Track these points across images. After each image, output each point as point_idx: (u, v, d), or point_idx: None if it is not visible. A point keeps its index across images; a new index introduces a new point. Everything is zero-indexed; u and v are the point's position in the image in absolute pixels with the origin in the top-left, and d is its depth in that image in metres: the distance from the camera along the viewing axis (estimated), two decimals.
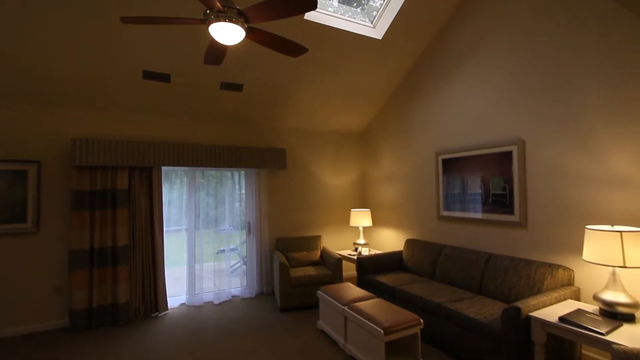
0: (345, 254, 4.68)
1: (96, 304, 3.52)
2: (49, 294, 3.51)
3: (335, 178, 5.26)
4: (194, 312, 3.94)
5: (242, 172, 4.68)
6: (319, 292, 3.41)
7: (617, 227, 2.21)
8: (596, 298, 2.22)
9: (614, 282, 2.19)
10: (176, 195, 4.58)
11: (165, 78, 3.55)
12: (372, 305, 2.84)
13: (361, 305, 2.84)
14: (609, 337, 1.90)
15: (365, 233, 5.41)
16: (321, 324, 3.37)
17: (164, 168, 4.17)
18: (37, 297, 3.46)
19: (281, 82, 4.04)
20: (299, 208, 4.94)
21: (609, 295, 2.16)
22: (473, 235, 3.56)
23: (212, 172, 4.51)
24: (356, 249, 4.67)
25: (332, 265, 4.14)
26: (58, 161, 3.59)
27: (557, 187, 2.82)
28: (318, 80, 4.15)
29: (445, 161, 3.89)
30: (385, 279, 3.71)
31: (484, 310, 2.67)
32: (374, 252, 4.64)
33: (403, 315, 2.62)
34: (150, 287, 3.85)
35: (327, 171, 5.19)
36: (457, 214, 3.72)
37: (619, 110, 2.43)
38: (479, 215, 3.47)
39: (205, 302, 4.26)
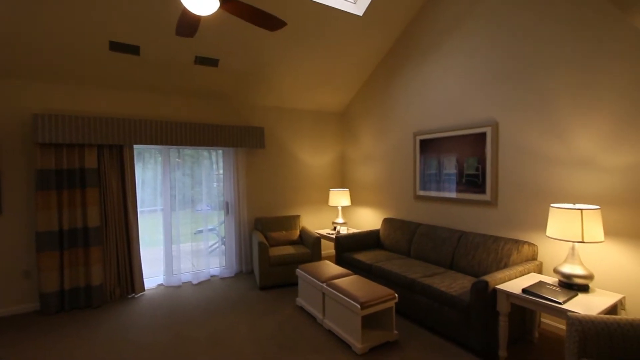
0: (324, 233, 4.75)
1: (68, 286, 3.43)
2: (17, 277, 3.37)
3: (314, 158, 5.25)
4: (172, 292, 3.92)
5: (220, 152, 4.57)
6: (297, 270, 3.46)
7: (578, 206, 2.35)
8: (556, 271, 2.39)
9: (572, 256, 2.35)
10: (150, 175, 4.42)
11: (134, 50, 3.35)
12: (349, 281, 2.92)
13: (339, 282, 2.92)
14: (565, 306, 2.06)
15: (343, 212, 5.50)
16: (300, 300, 3.45)
17: (136, 147, 4.00)
18: (5, 280, 3.31)
19: (259, 58, 3.91)
20: (278, 188, 4.92)
21: (567, 268, 2.32)
22: (447, 214, 3.70)
23: (188, 151, 4.38)
24: (335, 228, 4.75)
25: (311, 244, 4.20)
26: (20, 139, 3.36)
27: (526, 168, 2.95)
28: (297, 57, 4.05)
29: (422, 142, 3.95)
30: (362, 256, 3.82)
31: (455, 284, 2.82)
32: (352, 231, 4.74)
33: (379, 290, 2.72)
34: (126, 268, 3.77)
35: (306, 151, 5.16)
36: (433, 194, 3.83)
37: (584, 95, 2.53)
38: (453, 195, 3.59)
39: (183, 283, 4.24)
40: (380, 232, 4.30)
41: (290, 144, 5.02)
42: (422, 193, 3.99)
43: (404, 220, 4.14)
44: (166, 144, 3.87)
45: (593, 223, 2.22)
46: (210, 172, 4.52)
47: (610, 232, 2.44)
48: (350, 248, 4.11)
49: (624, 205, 2.37)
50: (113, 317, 3.27)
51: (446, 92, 3.66)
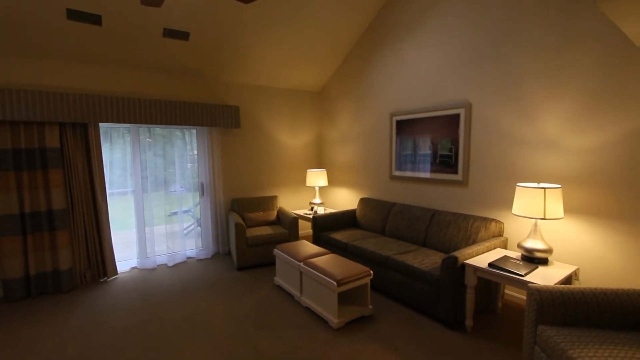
0: (302, 213, 4.77)
1: (34, 272, 3.28)
2: None
3: (291, 138, 5.19)
4: (147, 274, 3.85)
5: (194, 131, 4.42)
6: (275, 250, 3.48)
7: (542, 185, 2.48)
8: (519, 246, 2.54)
9: (535, 232, 2.50)
10: (119, 155, 4.22)
11: (95, 20, 3.10)
12: (326, 260, 2.98)
13: (316, 260, 2.97)
14: (527, 278, 2.21)
15: (321, 193, 5.53)
16: (278, 279, 3.49)
17: (102, 125, 3.78)
18: None
19: (233, 33, 3.74)
20: (254, 168, 4.85)
21: (530, 243, 2.48)
22: (421, 193, 3.80)
23: (159, 130, 4.20)
24: (312, 208, 4.78)
25: (288, 225, 4.22)
26: None
27: (496, 149, 3.06)
28: (272, 32, 3.90)
29: (399, 122, 3.99)
30: (339, 235, 3.89)
31: (427, 260, 2.94)
32: (329, 211, 4.79)
33: (354, 267, 2.80)
34: (96, 251, 3.65)
35: (283, 131, 5.09)
36: (408, 174, 3.92)
37: (553, 78, 2.62)
38: (427, 175, 3.69)
39: (158, 265, 4.17)
40: (357, 212, 4.37)
41: (267, 123, 4.92)
42: (397, 173, 4.06)
43: (380, 199, 4.22)
44: (135, 122, 3.68)
45: (554, 201, 2.35)
46: (183, 153, 4.37)
47: (569, 209, 2.61)
48: (327, 228, 4.17)
49: (582, 184, 2.52)
50: (85, 301, 3.18)
51: (422, 73, 3.68)
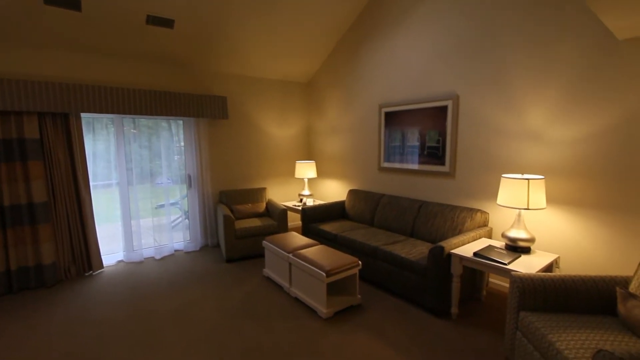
0: (291, 205, 4.77)
1: (15, 266, 3.20)
2: None
3: (280, 129, 5.15)
4: (134, 268, 3.81)
5: (180, 122, 4.33)
6: (264, 241, 3.48)
7: (526, 176, 2.54)
8: (504, 235, 2.60)
9: (518, 222, 2.57)
10: (102, 146, 4.10)
11: (74, 5, 2.97)
12: (315, 251, 3.00)
13: (305, 252, 2.99)
14: (510, 266, 2.28)
15: (310, 184, 5.53)
16: (267, 271, 3.50)
17: (84, 115, 3.67)
18: None
19: (219, 21, 3.65)
20: (242, 160, 4.81)
21: (513, 233, 2.54)
22: (409, 184, 3.84)
23: (144, 121, 4.10)
24: (301, 200, 4.78)
25: (277, 216, 4.22)
26: None
27: (482, 140, 3.10)
28: (260, 21, 3.83)
29: (387, 114, 4.00)
30: (328, 227, 3.91)
31: (414, 250, 2.99)
32: (318, 202, 4.80)
33: (343, 258, 2.82)
34: (80, 245, 3.57)
35: (271, 122, 5.04)
36: (396, 165, 3.95)
37: (538, 70, 2.66)
38: (415, 167, 3.72)
39: (145, 258, 4.12)
40: (346, 203, 4.40)
41: (255, 114, 4.86)
42: (386, 165, 4.09)
43: (369, 191, 4.25)
44: (118, 112, 3.59)
45: (537, 192, 2.41)
46: (170, 144, 4.29)
47: (551, 199, 2.68)
48: (316, 219, 4.18)
49: (564, 175, 2.59)
50: (70, 295, 3.12)
51: (411, 64, 3.68)
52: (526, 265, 2.30)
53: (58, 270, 3.43)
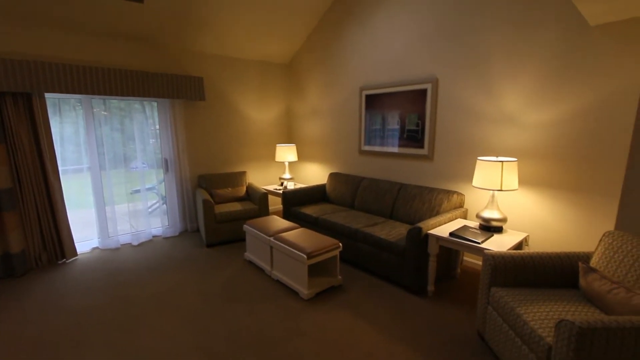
0: (272, 189, 4.75)
1: None
2: None
3: (259, 112, 5.04)
4: (110, 255, 3.71)
5: (154, 104, 4.15)
6: (245, 225, 3.46)
7: (500, 158, 2.62)
8: (478, 216, 2.70)
9: (492, 202, 2.67)
10: (71, 129, 3.88)
11: None
12: (296, 234, 3.01)
13: (286, 235, 3.00)
14: (483, 245, 2.38)
15: (290, 168, 5.50)
16: (248, 255, 3.50)
17: (49, 96, 3.45)
18: None
19: None
20: (221, 143, 4.70)
21: (487, 213, 2.65)
22: (389, 167, 3.90)
23: (115, 103, 3.90)
24: (282, 184, 4.76)
25: (258, 200, 4.19)
26: None
27: (460, 124, 3.16)
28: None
29: (368, 97, 3.99)
30: (309, 210, 3.93)
31: (394, 231, 3.06)
32: (299, 186, 4.80)
33: (324, 241, 2.86)
34: (51, 232, 3.43)
35: (251, 104, 4.92)
36: (377, 149, 3.98)
37: (515, 54, 2.71)
38: (395, 150, 3.76)
39: (122, 245, 4.02)
40: (327, 187, 4.42)
41: (234, 96, 4.72)
42: (367, 148, 4.11)
43: (349, 174, 4.28)
44: (86, 93, 3.39)
45: (510, 174, 2.51)
46: (144, 127, 4.12)
47: (523, 181, 2.80)
48: (297, 203, 4.19)
49: (535, 158, 2.70)
50: (42, 284, 3.02)
51: (392, 47, 3.66)
52: (498, 244, 2.41)
53: (28, 258, 3.29)
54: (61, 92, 3.24)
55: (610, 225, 2.40)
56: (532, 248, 2.81)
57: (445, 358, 2.01)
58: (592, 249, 2.50)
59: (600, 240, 1.97)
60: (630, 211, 2.05)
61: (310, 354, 2.07)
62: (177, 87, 3.97)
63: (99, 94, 3.46)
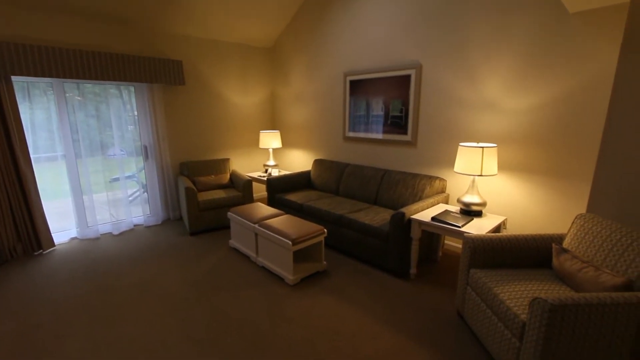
0: (256, 176, 4.71)
1: None
2: None
3: (242, 97, 4.93)
4: (90, 245, 3.62)
5: (132, 89, 3.99)
6: (229, 213, 3.43)
7: (481, 144, 2.67)
8: (459, 201, 2.77)
9: (472, 187, 2.74)
10: (42, 115, 3.69)
11: None
12: (281, 221, 3.01)
13: (271, 222, 3.00)
14: (463, 229, 2.45)
15: (275, 154, 5.45)
16: (233, 242, 3.48)
17: (16, 79, 3.26)
18: None
19: None
20: (203, 130, 4.59)
21: (468, 198, 2.71)
22: (373, 154, 3.92)
23: (90, 87, 3.72)
24: (266, 171, 4.73)
25: (242, 187, 4.15)
26: None
27: (443, 110, 3.20)
28: None
29: (352, 82, 3.96)
30: (294, 197, 3.92)
31: (377, 217, 3.11)
32: (283, 172, 4.77)
33: (309, 227, 2.87)
34: (25, 222, 3.31)
35: (233, 89, 4.80)
36: (361, 135, 3.98)
37: (496, 40, 2.73)
38: (379, 136, 3.78)
39: (102, 234, 3.92)
40: (311, 173, 4.41)
41: (215, 81, 4.59)
42: (351, 134, 4.11)
43: (334, 160, 4.29)
44: (57, 76, 3.22)
45: (490, 159, 2.57)
46: (122, 113, 3.96)
47: (502, 166, 2.87)
48: (281, 189, 4.18)
49: (514, 143, 2.77)
50: (19, 276, 2.92)
51: (376, 32, 3.62)
52: (477, 227, 2.48)
53: (2, 249, 3.17)
54: (29, 75, 3.07)
55: (582, 208, 2.51)
56: (510, 231, 2.91)
57: (427, 337, 2.09)
58: (566, 231, 2.61)
59: (573, 222, 2.06)
60: (601, 195, 2.14)
61: (295, 338, 2.10)
62: (155, 71, 3.82)
63: (72, 77, 3.29)
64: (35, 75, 3.10)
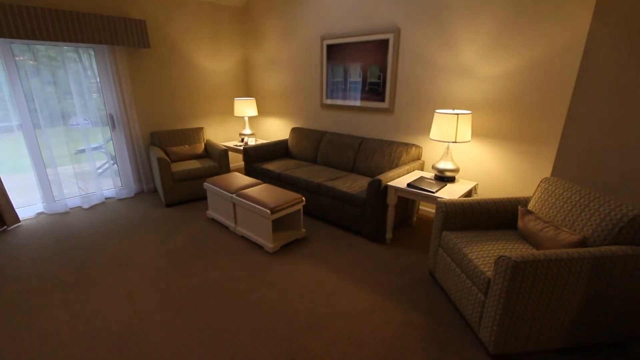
0: (232, 145, 4.59)
1: None
2: None
3: (214, 62, 4.68)
4: (58, 219, 3.48)
5: (92, 52, 3.67)
6: (205, 183, 3.37)
7: (456, 111, 2.70)
8: (434, 167, 2.84)
9: (447, 154, 2.80)
10: None
11: None
12: (259, 190, 2.99)
13: (249, 191, 2.97)
14: (437, 194, 2.53)
15: (251, 123, 5.31)
16: (211, 213, 3.45)
17: None
18: None
19: None
20: (173, 97, 4.36)
21: (442, 164, 2.78)
22: (351, 121, 3.89)
23: (44, 50, 3.39)
24: (242, 140, 4.61)
25: (217, 157, 4.05)
26: None
27: (420, 76, 3.17)
28: None
29: (329, 47, 3.82)
30: (271, 166, 3.88)
31: (355, 184, 3.15)
32: (260, 142, 4.68)
33: (287, 195, 2.88)
34: None
35: (203, 53, 4.53)
36: (339, 102, 3.92)
37: (476, 3, 2.68)
38: (357, 103, 3.73)
39: (71, 208, 3.77)
40: (289, 142, 4.35)
41: (184, 44, 4.30)
42: (329, 102, 4.03)
43: (311, 129, 4.23)
44: (3, 36, 2.90)
45: (464, 126, 2.61)
46: (83, 79, 3.67)
47: (475, 133, 2.93)
48: (259, 159, 4.11)
49: (486, 109, 2.82)
50: None
51: None
52: (450, 192, 2.57)
53: None
54: None
55: (548, 172, 2.64)
56: (481, 195, 3.04)
57: (400, 295, 2.21)
58: (531, 194, 2.76)
59: (538, 185, 2.17)
60: (565, 159, 2.25)
61: (276, 299, 2.17)
62: (116, 31, 3.52)
63: (20, 37, 2.98)
64: None
